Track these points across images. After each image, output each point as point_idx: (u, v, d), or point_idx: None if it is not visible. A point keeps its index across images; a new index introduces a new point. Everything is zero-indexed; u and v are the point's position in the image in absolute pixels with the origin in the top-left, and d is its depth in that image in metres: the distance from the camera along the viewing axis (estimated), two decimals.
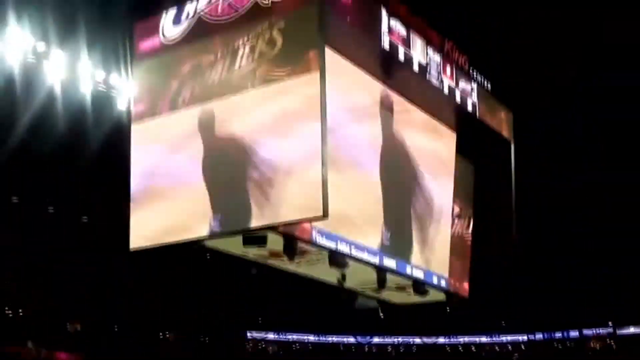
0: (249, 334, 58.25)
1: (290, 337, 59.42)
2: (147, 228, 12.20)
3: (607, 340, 56.51)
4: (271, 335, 59.03)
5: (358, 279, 13.83)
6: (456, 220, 15.17)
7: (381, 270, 13.22)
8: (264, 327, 58.65)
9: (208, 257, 12.44)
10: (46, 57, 22.34)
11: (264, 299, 57.92)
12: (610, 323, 55.01)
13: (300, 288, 13.95)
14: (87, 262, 48.40)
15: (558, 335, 57.13)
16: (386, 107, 13.77)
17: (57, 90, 23.93)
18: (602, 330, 55.61)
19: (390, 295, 14.76)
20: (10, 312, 46.54)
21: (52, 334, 46.97)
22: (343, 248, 12.30)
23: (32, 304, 46.55)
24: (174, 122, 12.25)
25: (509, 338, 58.86)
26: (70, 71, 22.87)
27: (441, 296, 14.65)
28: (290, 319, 58.48)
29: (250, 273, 12.30)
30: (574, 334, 56.31)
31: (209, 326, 55.78)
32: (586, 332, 55.91)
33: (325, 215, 10.57)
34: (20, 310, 47.02)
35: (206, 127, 11.92)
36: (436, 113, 14.97)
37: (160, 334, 55.40)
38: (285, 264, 12.87)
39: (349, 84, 12.72)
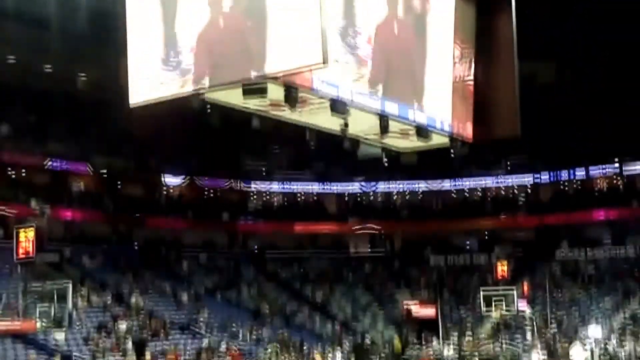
0: (253, 185, 58.74)
1: (294, 187, 59.86)
2: (146, 82, 12.04)
3: (614, 178, 56.84)
4: (275, 186, 59.47)
5: (361, 126, 13.74)
6: (457, 63, 14.92)
7: (383, 117, 13.12)
8: (268, 178, 59.10)
9: (208, 110, 12.22)
10: None
11: (267, 150, 58.32)
12: (616, 160, 55.12)
13: (302, 138, 13.83)
14: (88, 115, 48.53)
15: (564, 175, 57.42)
16: None
17: None
18: (608, 169, 55.75)
19: (393, 142, 14.69)
20: (12, 172, 46.97)
21: (55, 192, 47.63)
22: (344, 95, 12.18)
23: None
24: None
25: (515, 180, 59.24)
26: None
27: (445, 140, 14.58)
28: (294, 169, 58.96)
29: (251, 124, 12.22)
30: (580, 173, 56.54)
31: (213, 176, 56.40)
32: (592, 170, 56.07)
33: (325, 62, 10.43)
34: (23, 170, 47.50)
35: None
36: None
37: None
38: (287, 114, 12.76)
39: None
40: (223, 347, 39.25)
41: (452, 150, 14.81)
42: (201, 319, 43.67)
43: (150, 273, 48.67)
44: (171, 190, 57.53)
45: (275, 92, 11.50)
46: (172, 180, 55.86)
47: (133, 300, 42.93)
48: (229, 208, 57.84)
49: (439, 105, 14.07)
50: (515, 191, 60.58)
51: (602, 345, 36.53)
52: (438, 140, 14.53)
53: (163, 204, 55.94)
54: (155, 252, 51.57)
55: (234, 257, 56.14)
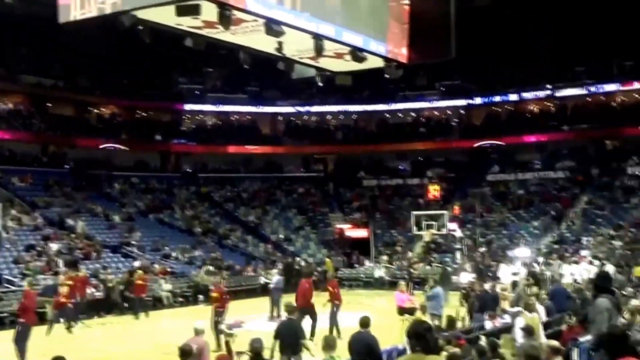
0: (186, 106, 58.33)
1: (228, 108, 59.53)
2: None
3: (546, 102, 57.58)
4: (209, 107, 59.11)
5: (295, 47, 13.62)
6: None
7: (318, 37, 13.00)
8: (202, 99, 58.68)
9: (141, 29, 11.96)
10: None
11: (201, 71, 57.79)
12: (548, 85, 55.75)
13: (237, 59, 13.67)
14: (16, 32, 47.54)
15: (497, 98, 58.02)
16: None
17: None
18: (540, 93, 56.46)
19: (328, 63, 14.60)
20: None
21: None
22: (279, 15, 12.02)
23: None
24: None
25: (449, 103, 59.69)
26: None
27: (380, 62, 14.52)
28: (228, 90, 58.53)
29: (184, 45, 11.97)
30: (512, 97, 57.17)
31: (146, 97, 55.84)
32: (525, 94, 56.73)
33: None
34: None
35: None
36: None
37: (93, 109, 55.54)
38: (221, 35, 12.57)
39: None
40: (155, 267, 39.29)
41: (386, 73, 14.77)
42: (134, 241, 43.49)
43: (82, 194, 48.21)
44: (103, 110, 56.90)
45: (209, 11, 11.31)
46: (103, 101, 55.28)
47: (69, 222, 42.60)
48: (162, 129, 57.51)
49: (374, 27, 13.98)
50: (449, 114, 61.13)
51: (528, 266, 37.30)
52: (373, 62, 14.46)
53: (94, 124, 55.32)
54: (87, 173, 51.07)
55: (167, 178, 55.89)
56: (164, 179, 55.51)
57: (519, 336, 14.75)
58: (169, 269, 40.24)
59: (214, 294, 24.02)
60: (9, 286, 32.45)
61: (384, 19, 14.12)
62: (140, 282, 33.02)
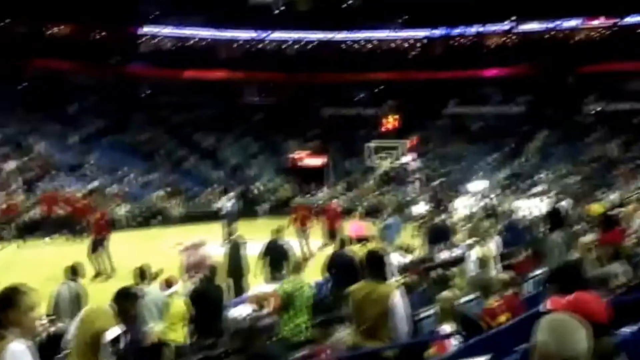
0: (143, 29, 57.27)
1: (185, 32, 58.55)
2: None
3: (507, 36, 57.45)
4: (166, 30, 58.05)
5: None
6: None
7: None
8: (158, 21, 57.54)
9: None
10: None
11: None
12: (512, 18, 55.58)
13: None
14: None
15: (458, 31, 57.83)
16: None
17: None
18: (501, 27, 56.33)
19: None
20: None
21: None
22: None
23: None
24: None
25: (409, 34, 59.34)
26: None
27: None
28: (186, 14, 57.26)
29: None
30: (473, 29, 57.15)
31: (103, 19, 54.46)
32: (486, 28, 56.69)
33: None
34: None
35: None
36: None
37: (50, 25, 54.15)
38: None
39: None
40: (112, 189, 39.07)
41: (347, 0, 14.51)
42: (91, 161, 43.12)
43: (37, 114, 47.43)
44: (57, 30, 55.64)
45: None
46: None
47: (29, 141, 42.10)
48: (119, 51, 56.45)
49: None
50: (409, 45, 60.76)
51: (484, 200, 37.51)
52: None
53: (50, 44, 54.12)
54: (42, 93, 50.10)
55: (123, 101, 54.98)
56: (120, 102, 54.61)
57: (471, 268, 14.83)
58: (123, 192, 39.97)
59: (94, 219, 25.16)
60: None
61: None
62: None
